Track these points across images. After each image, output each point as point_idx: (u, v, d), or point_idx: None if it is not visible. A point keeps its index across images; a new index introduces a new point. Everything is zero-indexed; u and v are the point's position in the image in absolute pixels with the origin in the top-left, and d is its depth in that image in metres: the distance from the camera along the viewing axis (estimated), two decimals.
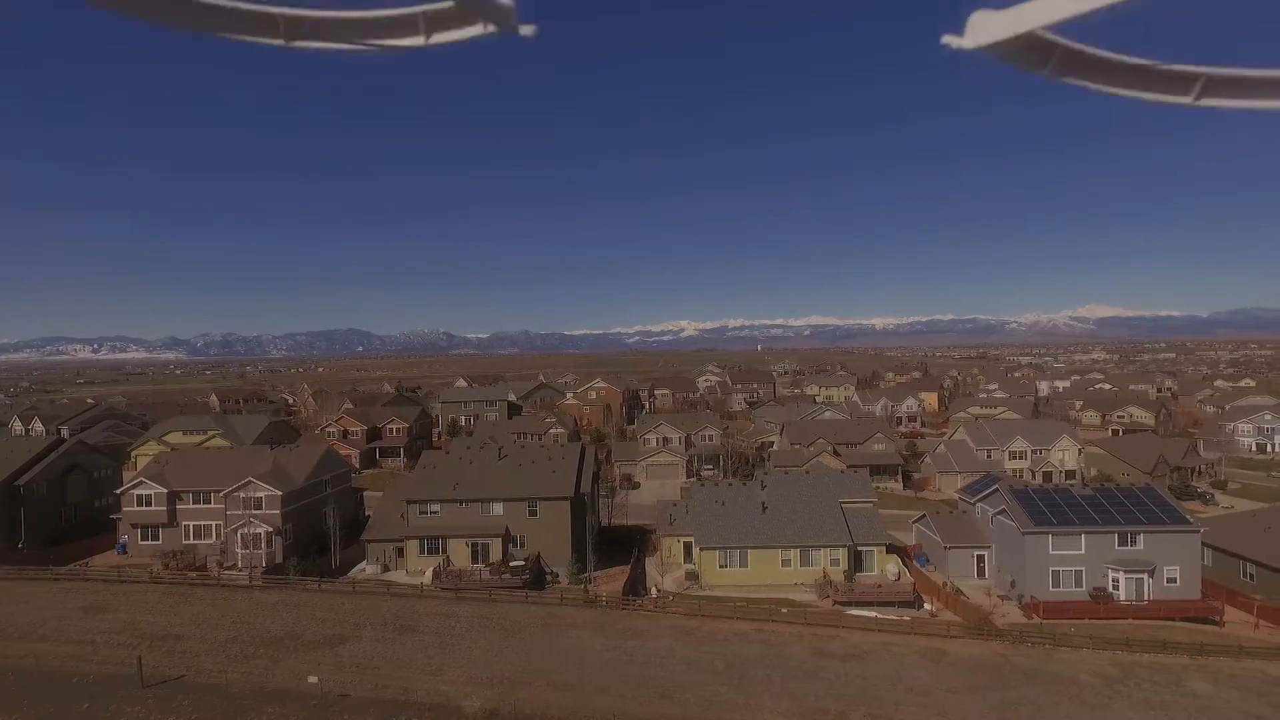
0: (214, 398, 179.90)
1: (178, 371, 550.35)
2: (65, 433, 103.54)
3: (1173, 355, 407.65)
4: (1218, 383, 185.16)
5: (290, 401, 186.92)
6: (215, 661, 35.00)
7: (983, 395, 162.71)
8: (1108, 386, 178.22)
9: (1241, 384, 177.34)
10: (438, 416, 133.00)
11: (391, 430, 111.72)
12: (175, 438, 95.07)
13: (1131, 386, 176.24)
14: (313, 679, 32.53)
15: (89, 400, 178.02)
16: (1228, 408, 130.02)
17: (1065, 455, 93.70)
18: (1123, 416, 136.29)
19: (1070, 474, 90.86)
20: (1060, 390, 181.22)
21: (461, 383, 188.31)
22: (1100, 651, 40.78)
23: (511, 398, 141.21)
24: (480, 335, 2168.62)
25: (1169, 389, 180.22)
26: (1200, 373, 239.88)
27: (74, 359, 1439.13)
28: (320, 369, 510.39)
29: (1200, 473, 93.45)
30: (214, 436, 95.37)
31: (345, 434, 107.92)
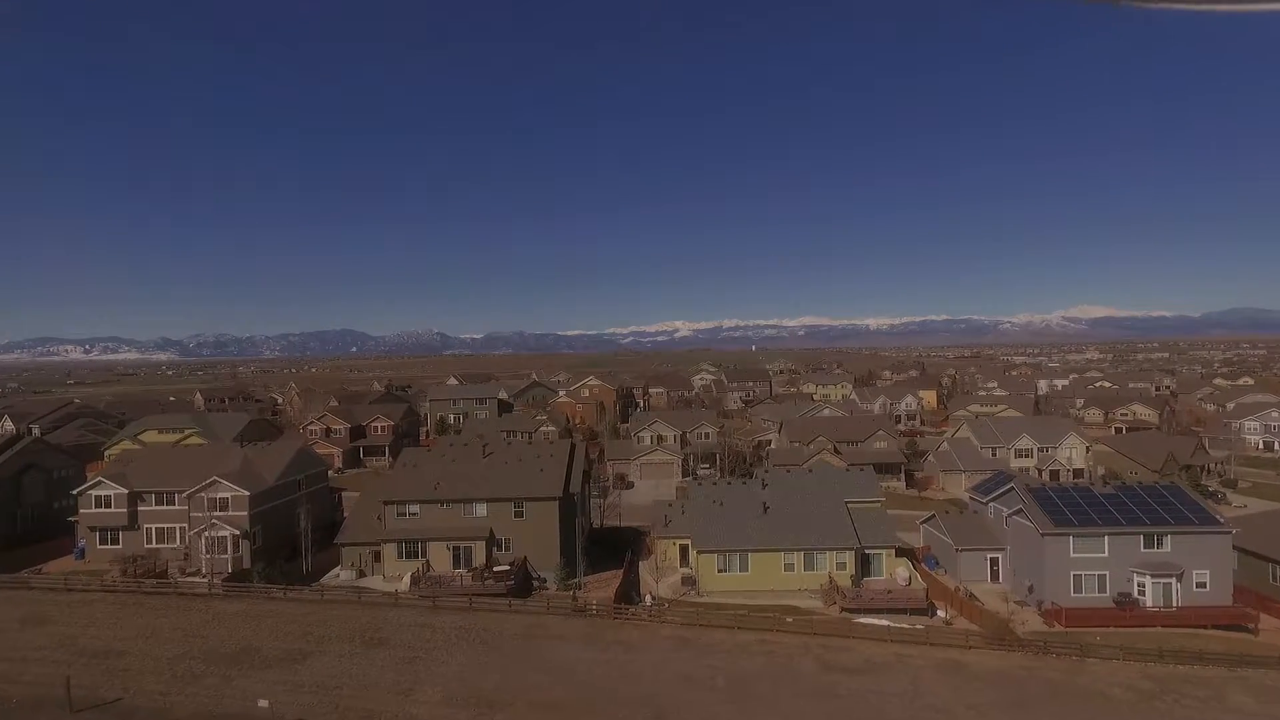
0: (198, 396, 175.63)
1: (169, 372, 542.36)
2: (36, 431, 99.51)
3: (1166, 355, 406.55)
4: (1216, 381, 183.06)
5: (278, 401, 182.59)
6: (158, 682, 31.36)
7: (982, 393, 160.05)
8: (1108, 385, 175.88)
9: (1240, 383, 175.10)
10: (426, 415, 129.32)
11: (376, 428, 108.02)
12: (150, 436, 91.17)
13: (1131, 385, 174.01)
14: (263, 703, 28.93)
15: (76, 400, 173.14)
16: (1232, 405, 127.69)
17: (1073, 453, 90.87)
18: (1126, 414, 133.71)
19: (1079, 472, 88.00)
20: (1060, 389, 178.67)
21: (453, 381, 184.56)
22: (1131, 663, 37.62)
23: (503, 396, 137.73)
24: (475, 336, 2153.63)
25: (1168, 388, 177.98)
26: (1195, 372, 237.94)
27: (66, 360, 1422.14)
28: (313, 369, 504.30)
29: (1209, 471, 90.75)
30: (190, 435, 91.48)
31: (328, 432, 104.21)
